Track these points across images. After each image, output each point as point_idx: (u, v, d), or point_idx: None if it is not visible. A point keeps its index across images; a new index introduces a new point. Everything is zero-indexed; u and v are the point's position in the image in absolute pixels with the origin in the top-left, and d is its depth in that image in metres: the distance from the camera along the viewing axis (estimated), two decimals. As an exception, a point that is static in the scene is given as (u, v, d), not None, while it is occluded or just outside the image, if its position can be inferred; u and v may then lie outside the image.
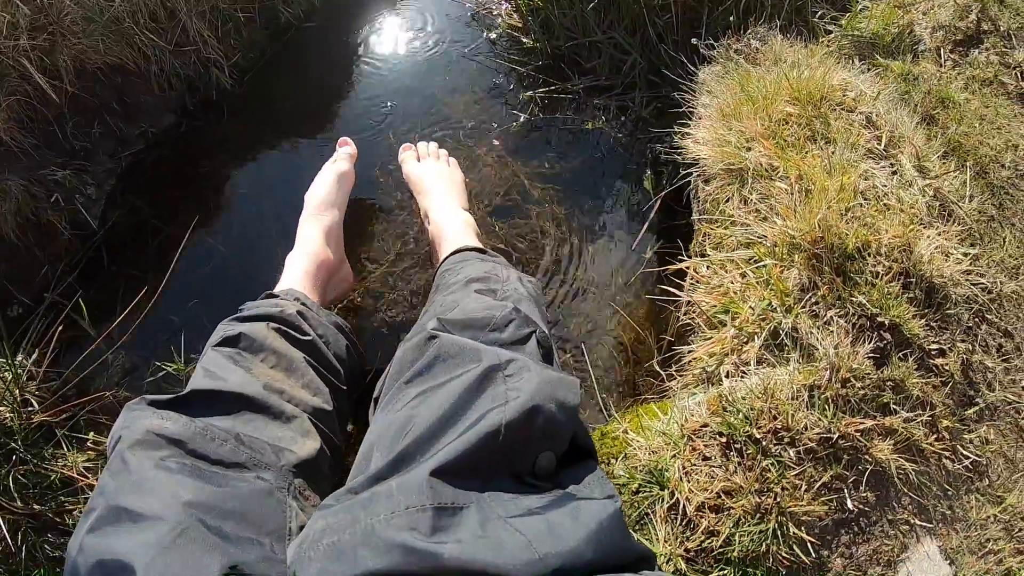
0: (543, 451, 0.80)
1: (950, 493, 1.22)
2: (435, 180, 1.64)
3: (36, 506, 1.39)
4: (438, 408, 0.84)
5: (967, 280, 1.30)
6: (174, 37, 1.99)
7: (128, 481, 0.82)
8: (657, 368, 1.42)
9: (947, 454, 1.22)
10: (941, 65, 1.81)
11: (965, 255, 1.33)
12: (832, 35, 1.86)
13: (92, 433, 1.53)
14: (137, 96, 2.04)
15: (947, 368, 1.25)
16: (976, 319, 1.36)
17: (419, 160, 1.73)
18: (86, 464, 1.48)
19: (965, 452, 1.23)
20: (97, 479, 1.44)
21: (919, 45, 1.85)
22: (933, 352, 1.25)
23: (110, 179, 2.00)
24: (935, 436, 1.21)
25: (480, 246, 1.40)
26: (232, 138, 2.05)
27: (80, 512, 1.45)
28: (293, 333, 1.13)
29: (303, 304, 1.21)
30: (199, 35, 2.02)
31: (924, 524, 1.19)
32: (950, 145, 1.58)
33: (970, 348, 1.31)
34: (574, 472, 0.83)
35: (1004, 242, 1.49)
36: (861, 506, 1.13)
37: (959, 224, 1.42)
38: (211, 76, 2.10)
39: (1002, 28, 1.90)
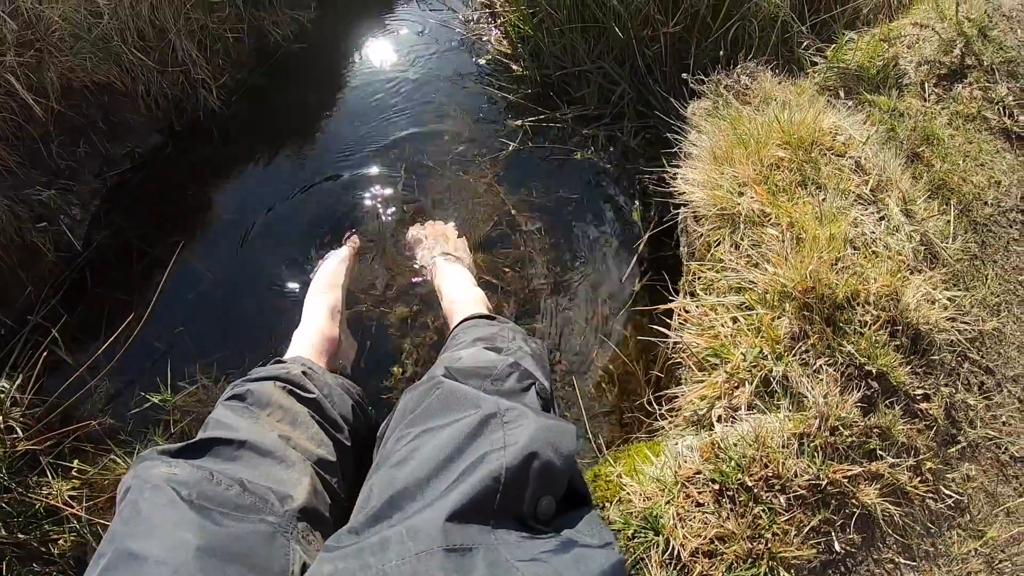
0: (543, 495, 0.81)
1: (933, 531, 1.26)
2: (446, 260, 1.69)
3: (20, 535, 1.39)
4: (436, 450, 0.86)
5: (952, 326, 1.33)
6: (162, 57, 1.98)
7: (137, 526, 0.83)
8: (647, 406, 1.44)
9: (930, 495, 1.25)
10: (926, 99, 1.84)
11: (951, 300, 1.36)
12: (818, 67, 1.89)
13: (77, 461, 1.51)
14: (124, 115, 2.03)
15: (931, 412, 1.28)
16: (959, 359, 1.39)
17: (426, 239, 1.78)
18: (71, 492, 1.46)
19: (948, 491, 1.27)
20: (81, 508, 1.43)
21: (904, 78, 1.88)
22: (918, 397, 1.28)
23: (95, 199, 1.98)
24: (919, 479, 1.24)
25: (490, 314, 1.42)
26: (219, 159, 2.04)
27: (65, 542, 1.44)
28: (298, 391, 1.15)
29: (308, 367, 1.23)
30: (187, 55, 2.01)
31: (908, 562, 1.22)
32: (935, 184, 1.61)
33: (953, 390, 1.34)
34: (571, 517, 0.85)
35: (986, 280, 1.53)
36: (848, 547, 1.16)
37: (944, 267, 1.45)
38: (199, 96, 2.08)
39: (985, 63, 1.93)
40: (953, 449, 1.31)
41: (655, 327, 1.60)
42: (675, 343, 1.45)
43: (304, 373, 1.19)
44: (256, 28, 2.21)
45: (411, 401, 1.04)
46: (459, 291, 1.56)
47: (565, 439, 0.88)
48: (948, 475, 1.29)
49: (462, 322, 1.38)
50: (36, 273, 1.84)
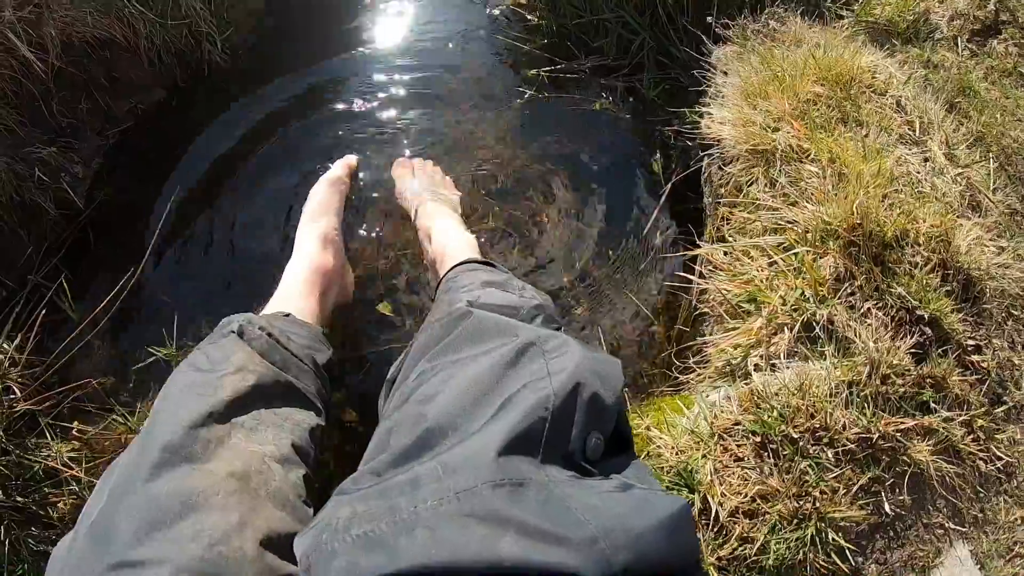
0: (591, 432, 0.72)
1: (982, 495, 1.17)
2: (434, 201, 1.58)
3: (19, 498, 1.33)
4: (471, 382, 0.76)
5: (1004, 274, 1.23)
6: (165, 9, 1.90)
7: None
8: (674, 359, 1.35)
9: (981, 455, 1.16)
10: (958, 54, 1.75)
11: (1001, 248, 1.26)
12: (844, 20, 1.80)
13: (77, 422, 1.45)
14: (126, 71, 1.94)
15: (983, 365, 1.19)
16: (1003, 315, 1.30)
17: (414, 176, 1.66)
18: (70, 454, 1.41)
19: (998, 453, 1.17)
20: (81, 470, 1.37)
21: (935, 33, 1.79)
22: (970, 348, 1.19)
23: (97, 157, 1.90)
24: (971, 437, 1.15)
25: (488, 261, 1.32)
26: (224, 115, 1.96)
27: (64, 504, 1.38)
28: None
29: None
30: (191, 7, 1.93)
31: (957, 527, 1.13)
32: (973, 136, 1.52)
33: (1003, 343, 1.25)
34: (617, 463, 0.75)
35: (1029, 235, 1.43)
36: (897, 509, 1.07)
37: (988, 217, 1.36)
38: (203, 51, 2.00)
39: (1020, 19, 1.85)
40: (1000, 410, 1.21)
41: (677, 279, 1.52)
42: (701, 293, 1.37)
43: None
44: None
45: (432, 334, 0.93)
46: (450, 234, 1.44)
47: (613, 372, 0.78)
48: (997, 435, 1.20)
49: (459, 265, 1.28)
50: (37, 233, 1.76)
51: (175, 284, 1.68)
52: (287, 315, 1.17)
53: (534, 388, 0.72)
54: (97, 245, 1.77)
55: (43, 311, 1.45)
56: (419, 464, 0.68)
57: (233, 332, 1.03)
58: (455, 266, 1.28)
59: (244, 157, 1.87)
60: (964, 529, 1.14)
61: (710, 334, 1.33)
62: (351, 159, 1.65)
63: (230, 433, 0.87)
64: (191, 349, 1.53)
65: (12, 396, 1.43)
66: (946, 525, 1.12)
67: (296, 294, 1.27)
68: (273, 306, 1.25)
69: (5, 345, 1.50)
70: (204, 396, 0.89)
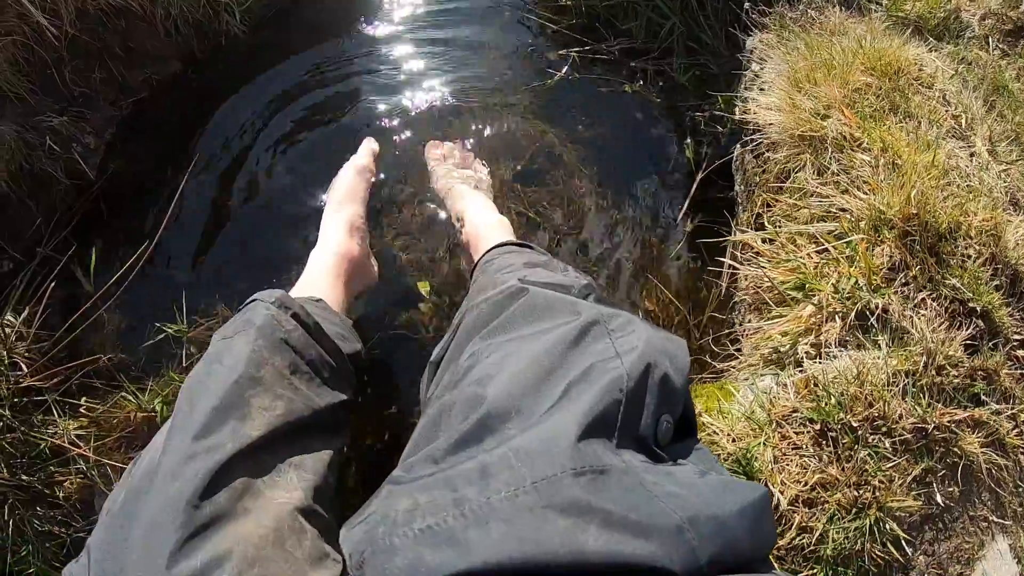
0: (663, 414, 0.68)
1: (1022, 490, 1.16)
2: (465, 183, 1.56)
3: (24, 477, 1.30)
4: (532, 362, 0.72)
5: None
6: (183, -22, 1.86)
7: None
8: (713, 346, 1.33)
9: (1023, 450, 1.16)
10: (990, 53, 1.75)
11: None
12: (875, 15, 1.79)
13: (85, 399, 1.42)
14: (141, 41, 1.89)
15: (1028, 360, 1.18)
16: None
17: (445, 160, 1.63)
18: (78, 432, 1.37)
19: (1040, 449, 1.17)
20: (89, 448, 1.34)
21: (966, 31, 1.79)
22: (1016, 344, 1.18)
23: (110, 127, 1.85)
24: (1016, 431, 1.14)
25: (526, 243, 1.29)
26: (241, 89, 1.92)
27: (71, 484, 1.34)
28: None
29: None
30: (210, -25, 1.89)
31: (1000, 520, 1.13)
32: (1010, 134, 1.52)
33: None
34: (682, 447, 0.72)
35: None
36: (947, 501, 1.06)
37: (1026, 214, 1.36)
38: (221, 22, 1.95)
39: (1052, 21, 1.85)
40: (1038, 406, 1.21)
41: (710, 268, 1.51)
42: (734, 281, 1.35)
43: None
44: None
45: (482, 312, 0.89)
46: (484, 216, 1.42)
47: (680, 352, 0.75)
48: (1038, 431, 1.20)
49: (496, 247, 1.25)
50: (47, 203, 1.71)
51: (186, 259, 1.64)
52: (318, 300, 1.14)
53: (604, 369, 0.68)
54: (109, 217, 1.72)
55: (52, 284, 1.41)
56: (483, 450, 0.64)
57: (264, 324, 0.98)
58: (492, 248, 1.25)
59: (261, 132, 1.83)
60: (1006, 523, 1.13)
61: (743, 322, 1.32)
62: (373, 144, 1.61)
63: (254, 483, 0.82)
64: (202, 325, 1.51)
65: (18, 371, 1.39)
66: (989, 518, 1.11)
67: (322, 280, 1.24)
68: (300, 291, 1.21)
69: (12, 318, 1.46)
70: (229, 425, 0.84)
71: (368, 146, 1.59)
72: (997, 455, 1.10)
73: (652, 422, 0.67)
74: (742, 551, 0.56)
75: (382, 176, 1.70)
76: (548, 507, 0.55)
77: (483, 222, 1.39)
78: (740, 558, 0.55)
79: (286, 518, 0.78)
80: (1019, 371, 1.18)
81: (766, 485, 0.97)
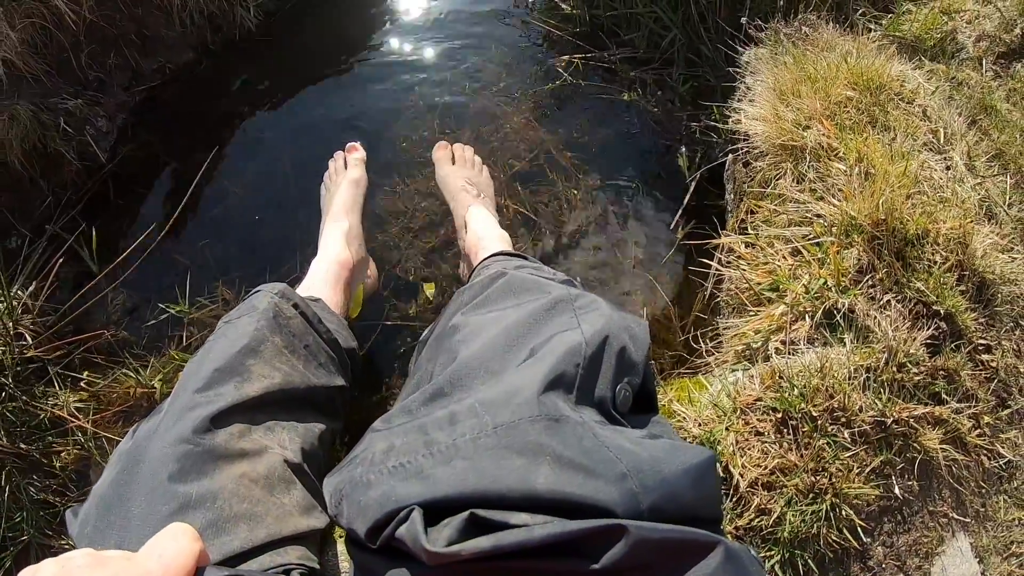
0: (620, 380, 0.75)
1: (984, 491, 1.20)
2: (471, 192, 1.62)
3: (23, 445, 1.34)
4: (504, 330, 0.80)
5: (1020, 278, 1.28)
6: (200, -29, 1.92)
7: None
8: (692, 343, 1.38)
9: (985, 451, 1.20)
10: (982, 74, 1.79)
11: (1013, 258, 1.31)
12: (872, 34, 1.84)
13: (87, 373, 1.47)
14: (157, 29, 1.96)
15: (992, 364, 1.23)
16: (1012, 323, 1.34)
17: (454, 163, 1.69)
18: (77, 404, 1.42)
19: (1002, 451, 1.21)
20: (88, 420, 1.40)
21: (961, 52, 1.84)
22: (980, 347, 1.23)
23: (122, 112, 1.92)
24: (978, 431, 1.19)
25: (520, 253, 1.37)
26: (252, 81, 1.98)
27: (67, 454, 1.40)
28: None
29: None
30: (225, -31, 1.96)
31: (960, 518, 1.17)
32: (992, 152, 1.57)
33: (1012, 346, 1.29)
34: (641, 419, 0.78)
35: (1039, 253, 1.48)
36: (907, 494, 1.10)
37: (1004, 227, 1.40)
38: (235, 15, 2.02)
39: (1046, 45, 1.89)
40: (1004, 412, 1.25)
41: (695, 269, 1.56)
42: (717, 282, 1.41)
43: None
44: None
45: (467, 294, 0.99)
46: (485, 227, 1.49)
47: (640, 332, 0.82)
48: (1001, 435, 1.24)
49: (495, 255, 1.33)
50: (57, 183, 1.78)
51: (191, 244, 1.71)
52: (317, 300, 1.20)
53: (565, 338, 0.75)
54: (117, 199, 1.78)
55: (60, 260, 1.47)
56: (453, 401, 0.71)
57: (267, 308, 1.05)
58: (488, 256, 1.32)
59: (270, 124, 1.89)
60: (967, 520, 1.17)
61: (725, 322, 1.37)
62: (361, 152, 1.68)
63: (251, 430, 0.88)
64: (204, 307, 1.56)
65: (23, 342, 1.44)
66: (950, 515, 1.15)
67: (322, 284, 1.32)
68: (301, 293, 1.28)
69: (19, 291, 1.51)
70: (230, 384, 0.90)
71: (357, 156, 1.67)
72: (958, 453, 1.14)
73: (609, 388, 0.73)
74: (685, 505, 0.61)
75: (395, 177, 1.77)
76: (507, 448, 0.62)
77: (485, 235, 1.46)
78: (683, 512, 0.61)
79: (277, 467, 0.85)
80: (982, 373, 1.23)
81: (727, 467, 1.02)
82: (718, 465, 1.03)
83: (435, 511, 0.59)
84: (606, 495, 0.58)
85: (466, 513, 0.58)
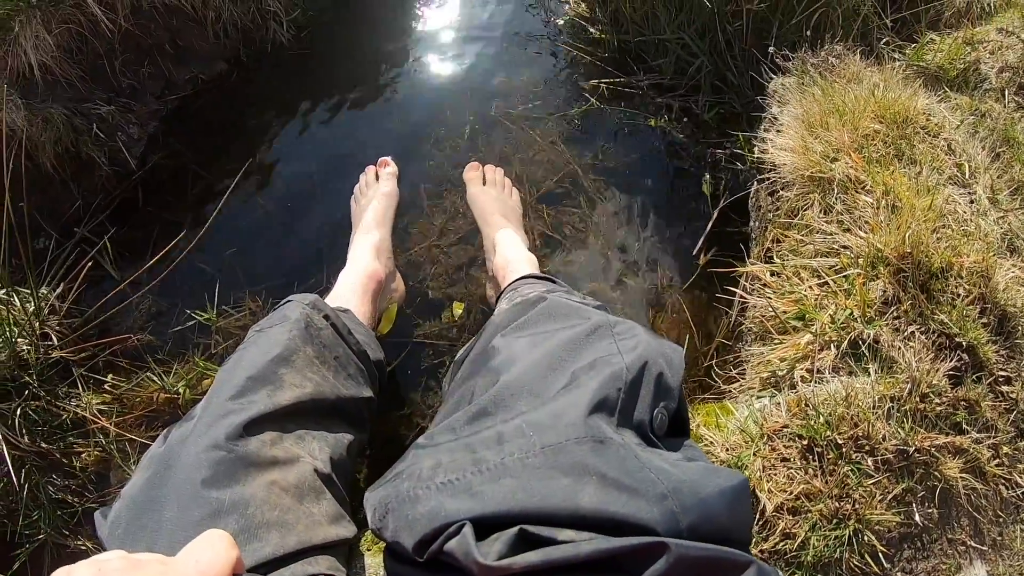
0: (658, 405, 0.78)
1: (1001, 520, 1.22)
2: (503, 213, 1.66)
3: (44, 444, 1.36)
4: (546, 353, 0.83)
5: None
6: (236, -16, 1.96)
7: None
8: (716, 368, 1.41)
9: (1004, 481, 1.22)
10: (1004, 105, 1.82)
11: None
12: (896, 63, 1.87)
13: (111, 375, 1.49)
14: (191, 40, 2.00)
15: (1012, 396, 1.25)
16: (1031, 356, 1.37)
17: (484, 184, 1.72)
18: (100, 407, 1.44)
19: (1020, 481, 1.23)
20: (111, 422, 1.42)
21: (984, 83, 1.86)
22: (1001, 379, 1.25)
23: (154, 120, 1.96)
24: (996, 461, 1.21)
25: (549, 276, 1.39)
26: (283, 94, 2.01)
27: (88, 455, 1.42)
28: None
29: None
30: (261, -16, 1.99)
31: (978, 546, 1.19)
32: (1014, 184, 1.59)
33: (1029, 381, 1.31)
34: (675, 443, 0.81)
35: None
36: (927, 522, 1.12)
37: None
38: (268, 28, 2.06)
39: (1068, 77, 1.91)
40: (1022, 443, 1.27)
41: (719, 296, 1.58)
42: (742, 310, 1.43)
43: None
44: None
45: (505, 317, 1.01)
46: (515, 250, 1.52)
47: (676, 357, 0.85)
48: (1019, 465, 1.26)
49: (523, 278, 1.35)
50: (88, 187, 1.81)
51: (217, 253, 1.74)
52: (346, 311, 1.22)
53: (607, 363, 0.78)
54: (146, 206, 1.81)
55: (89, 263, 1.49)
56: (499, 422, 0.74)
57: (299, 318, 1.08)
58: (517, 279, 1.34)
59: (299, 137, 1.92)
60: (984, 548, 1.19)
61: (749, 349, 1.39)
62: (393, 167, 1.72)
63: (282, 438, 0.90)
64: (230, 316, 1.58)
65: (48, 343, 1.45)
66: (968, 543, 1.17)
67: (351, 295, 1.34)
68: (330, 304, 1.30)
69: (47, 292, 1.53)
70: (263, 392, 0.92)
71: (389, 171, 1.70)
72: (977, 482, 1.17)
73: (648, 412, 0.77)
74: (720, 526, 0.64)
75: (423, 194, 1.81)
76: (553, 467, 0.65)
77: (514, 257, 1.49)
78: (718, 532, 0.64)
79: (307, 476, 0.88)
80: (1002, 404, 1.25)
81: (754, 492, 1.05)
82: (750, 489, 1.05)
83: (483, 527, 0.62)
84: (648, 514, 0.61)
85: (516, 528, 0.61)
